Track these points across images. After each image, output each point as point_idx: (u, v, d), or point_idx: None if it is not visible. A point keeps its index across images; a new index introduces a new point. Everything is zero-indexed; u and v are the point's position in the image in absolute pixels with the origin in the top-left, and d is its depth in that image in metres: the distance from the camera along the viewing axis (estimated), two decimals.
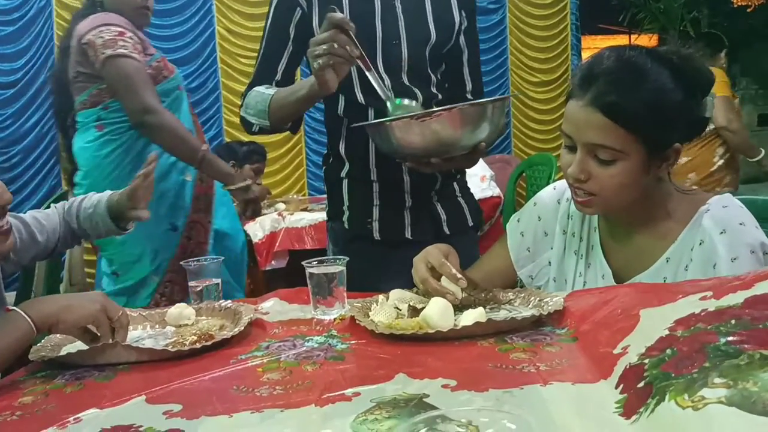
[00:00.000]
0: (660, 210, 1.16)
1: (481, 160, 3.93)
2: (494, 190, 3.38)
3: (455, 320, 1.03)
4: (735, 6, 7.03)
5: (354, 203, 1.57)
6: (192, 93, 4.56)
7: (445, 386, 0.78)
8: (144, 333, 1.19)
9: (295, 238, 3.11)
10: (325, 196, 1.70)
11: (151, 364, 0.98)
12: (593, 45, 7.54)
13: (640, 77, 1.06)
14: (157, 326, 1.21)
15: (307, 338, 1.05)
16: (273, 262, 3.06)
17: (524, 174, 4.24)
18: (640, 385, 0.66)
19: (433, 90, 1.53)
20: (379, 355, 0.94)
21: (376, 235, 1.54)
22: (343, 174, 1.57)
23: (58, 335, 1.09)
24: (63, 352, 1.05)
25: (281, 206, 3.30)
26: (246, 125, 1.54)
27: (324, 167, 1.63)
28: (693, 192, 1.19)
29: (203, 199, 2.27)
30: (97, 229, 1.41)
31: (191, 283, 1.31)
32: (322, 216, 3.03)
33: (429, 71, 1.52)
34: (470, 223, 1.63)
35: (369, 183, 1.54)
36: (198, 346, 1.01)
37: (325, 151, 1.64)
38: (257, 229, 3.11)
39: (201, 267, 1.32)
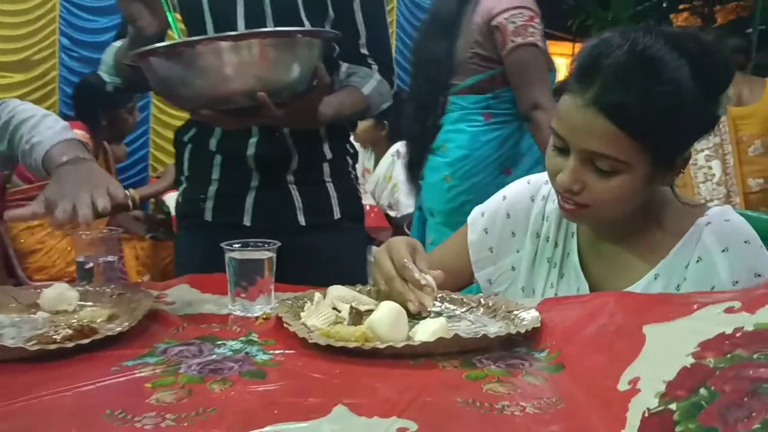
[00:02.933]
0: (652, 219, 0.99)
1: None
2: None
3: (410, 331, 0.82)
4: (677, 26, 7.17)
5: (192, 174, 1.35)
6: None
7: (402, 431, 0.57)
8: (6, 319, 0.92)
9: None
10: None
11: (6, 365, 0.73)
12: None
13: (656, 75, 0.86)
14: (29, 310, 0.95)
15: (219, 342, 0.82)
16: None
17: None
18: None
19: None
20: (311, 373, 0.72)
21: (208, 216, 1.32)
22: (186, 138, 1.35)
23: None
24: None
25: None
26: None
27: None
28: (691, 201, 1.03)
29: None
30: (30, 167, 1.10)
31: (79, 259, 1.05)
32: None
33: (304, 18, 1.26)
34: (336, 215, 1.36)
35: (209, 153, 1.31)
36: (69, 345, 0.76)
37: None
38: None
39: (93, 239, 1.06)
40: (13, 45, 3.96)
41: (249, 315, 0.94)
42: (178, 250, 1.42)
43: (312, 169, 1.33)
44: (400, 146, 3.02)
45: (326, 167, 1.35)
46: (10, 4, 3.94)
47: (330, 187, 1.36)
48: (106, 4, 4.15)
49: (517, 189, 1.15)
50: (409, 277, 0.89)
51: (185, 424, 0.59)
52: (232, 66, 0.98)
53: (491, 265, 1.13)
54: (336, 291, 0.98)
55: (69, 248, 2.52)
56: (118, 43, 1.24)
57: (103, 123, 2.65)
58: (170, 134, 1.46)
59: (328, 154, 1.35)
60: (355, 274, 1.27)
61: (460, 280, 1.16)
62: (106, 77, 1.27)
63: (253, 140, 1.27)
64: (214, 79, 0.99)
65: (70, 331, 0.81)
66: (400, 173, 2.93)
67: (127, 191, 2.67)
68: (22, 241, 2.46)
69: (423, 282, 0.89)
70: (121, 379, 0.70)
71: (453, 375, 0.72)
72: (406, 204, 2.88)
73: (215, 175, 1.31)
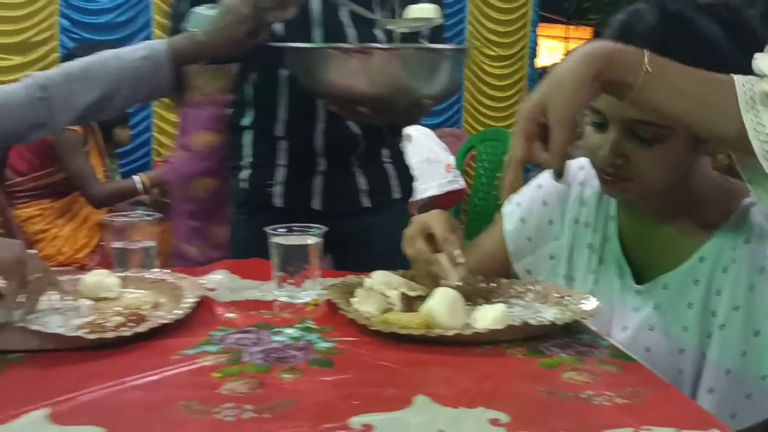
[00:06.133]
0: (693, 199, 0.97)
1: (442, 144, 3.53)
2: (459, 182, 2.96)
3: (468, 318, 0.81)
4: None
5: (256, 161, 1.32)
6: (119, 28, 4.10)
7: (494, 422, 0.55)
8: (49, 305, 0.89)
9: None
10: None
11: (56, 355, 0.71)
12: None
13: (690, 35, 0.86)
14: (68, 297, 0.92)
15: (275, 329, 0.80)
16: None
17: (474, 150, 4.06)
18: None
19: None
20: (378, 361, 0.70)
21: (277, 202, 1.30)
22: (245, 123, 1.31)
23: None
24: None
25: None
26: None
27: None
28: (734, 181, 1.01)
29: None
30: (137, 92, 1.06)
31: (115, 245, 1.03)
32: None
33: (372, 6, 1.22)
34: (396, 195, 1.37)
35: (274, 139, 1.29)
36: (128, 332, 0.74)
37: None
38: None
39: (131, 224, 1.03)
40: (11, 26, 3.87)
41: (296, 301, 0.92)
42: (239, 237, 1.34)
43: (374, 152, 1.33)
44: (411, 130, 2.98)
45: (385, 150, 1.35)
46: None
47: (389, 168, 1.37)
48: None
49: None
50: (449, 252, 0.87)
51: (266, 415, 0.57)
52: (414, 75, 1.05)
53: (530, 255, 1.11)
54: (381, 276, 0.95)
55: (73, 234, 2.49)
56: (212, 12, 1.16)
57: None
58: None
59: (387, 138, 1.35)
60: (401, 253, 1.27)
61: (501, 268, 1.14)
62: None
63: (320, 126, 1.26)
64: (351, 83, 1.04)
65: (120, 319, 0.79)
66: (412, 158, 2.89)
67: (136, 176, 2.63)
68: (24, 231, 2.42)
69: (460, 260, 0.87)
70: (184, 369, 0.68)
71: (525, 364, 0.70)
72: (419, 189, 2.85)
73: (282, 161, 1.29)
